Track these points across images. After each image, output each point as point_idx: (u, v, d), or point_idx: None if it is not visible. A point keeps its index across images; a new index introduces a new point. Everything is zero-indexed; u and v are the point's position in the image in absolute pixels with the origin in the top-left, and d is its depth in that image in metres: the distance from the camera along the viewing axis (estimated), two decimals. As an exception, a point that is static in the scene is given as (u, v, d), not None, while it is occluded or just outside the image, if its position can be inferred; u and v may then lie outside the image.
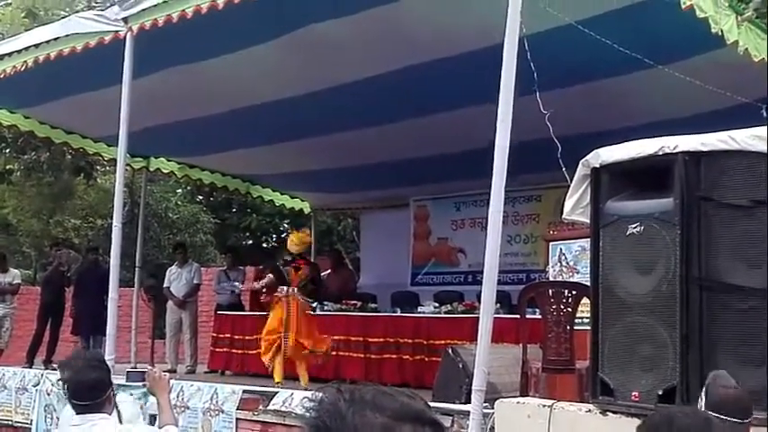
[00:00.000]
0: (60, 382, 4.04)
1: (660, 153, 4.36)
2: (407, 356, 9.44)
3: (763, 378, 3.94)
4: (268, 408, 7.80)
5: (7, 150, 16.04)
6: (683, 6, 5.90)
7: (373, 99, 8.99)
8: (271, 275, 9.05)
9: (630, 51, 6.70)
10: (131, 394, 7.89)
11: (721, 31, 6.04)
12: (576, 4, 6.44)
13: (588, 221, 4.73)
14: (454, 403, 6.55)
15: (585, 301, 5.32)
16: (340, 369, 9.66)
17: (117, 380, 5.07)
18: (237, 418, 8.01)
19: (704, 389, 3.10)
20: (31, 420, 9.52)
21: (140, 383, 8.08)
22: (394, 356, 9.54)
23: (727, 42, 6.09)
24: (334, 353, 9.33)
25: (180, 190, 20.98)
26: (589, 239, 4.74)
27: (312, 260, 10.52)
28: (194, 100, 9.56)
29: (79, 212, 19.24)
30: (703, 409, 2.98)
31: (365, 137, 10.27)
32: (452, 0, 6.84)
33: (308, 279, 9.07)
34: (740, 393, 3.09)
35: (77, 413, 3.83)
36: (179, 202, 20.66)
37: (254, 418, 7.85)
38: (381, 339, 9.69)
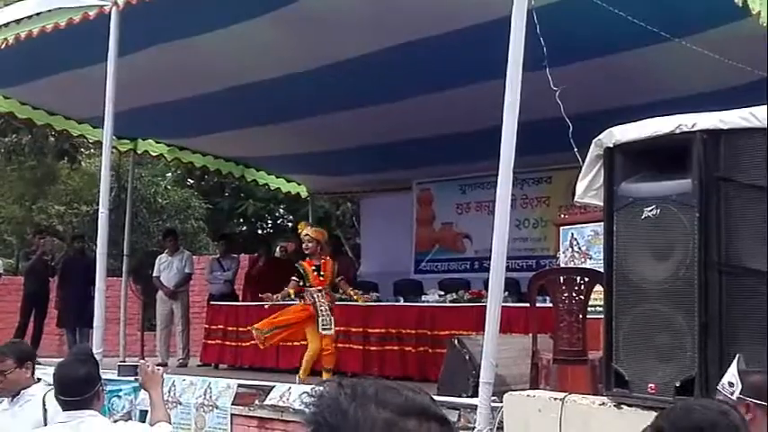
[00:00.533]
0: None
1: (677, 132, 4.36)
2: (410, 348, 9.46)
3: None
4: (265, 403, 7.83)
5: (-14, 133, 16.05)
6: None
7: (373, 77, 8.98)
8: (295, 279, 8.76)
9: (646, 24, 6.68)
10: (121, 389, 7.93)
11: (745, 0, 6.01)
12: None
13: (601, 204, 4.73)
14: (461, 397, 6.57)
15: (599, 288, 5.33)
16: (339, 361, 9.69)
17: (106, 374, 5.08)
18: (232, 414, 8.04)
19: (736, 375, 3.11)
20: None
21: (132, 378, 8.12)
22: (396, 348, 9.57)
23: (752, 13, 6.06)
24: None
25: (169, 174, 20.96)
26: (602, 223, 4.74)
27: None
28: (184, 78, 9.54)
29: (63, 198, 19.23)
30: (739, 395, 3.01)
31: (365, 116, 10.25)
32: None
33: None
34: None
35: (64, 410, 3.84)
36: (169, 187, 20.64)
37: (250, 413, 7.88)
38: (383, 330, 9.70)
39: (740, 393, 3.03)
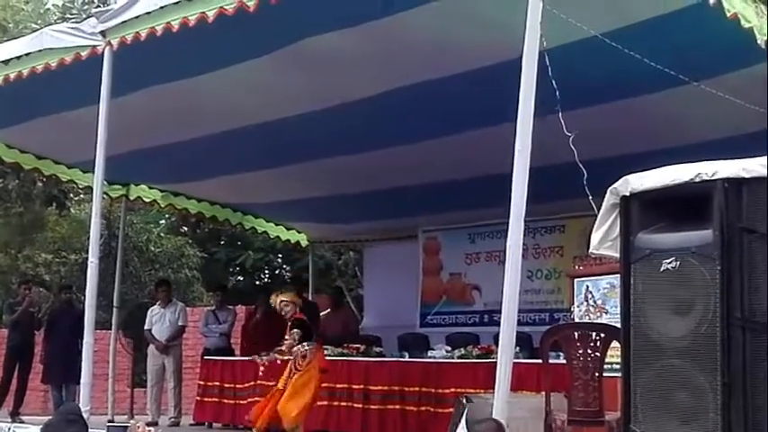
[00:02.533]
0: None
1: (697, 180, 4.36)
2: (411, 407, 9.40)
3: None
4: (261, 465, 7.77)
5: (-29, 178, 16.12)
6: (729, 15, 5.90)
7: (378, 119, 9.03)
8: (297, 330, 8.79)
9: (662, 66, 6.72)
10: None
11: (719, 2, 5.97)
12: (601, 14, 6.47)
13: (617, 256, 4.73)
14: (469, 460, 6.51)
15: (615, 344, 5.30)
16: (335, 421, 9.66)
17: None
18: (227, 477, 7.99)
19: (464, 427, 3.20)
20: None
21: (121, 440, 8.06)
22: (397, 407, 9.51)
23: (727, 14, 6.01)
24: (332, 402, 9.31)
25: (163, 221, 21.02)
26: (619, 276, 4.73)
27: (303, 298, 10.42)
28: (179, 121, 9.60)
29: (51, 246, 19.25)
30: None
31: (369, 161, 10.29)
32: (463, 11, 6.86)
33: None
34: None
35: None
36: (162, 235, 20.68)
37: (246, 476, 7.82)
38: (386, 388, 9.66)
39: None
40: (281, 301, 8.98)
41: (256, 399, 10.54)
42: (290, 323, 8.84)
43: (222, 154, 10.58)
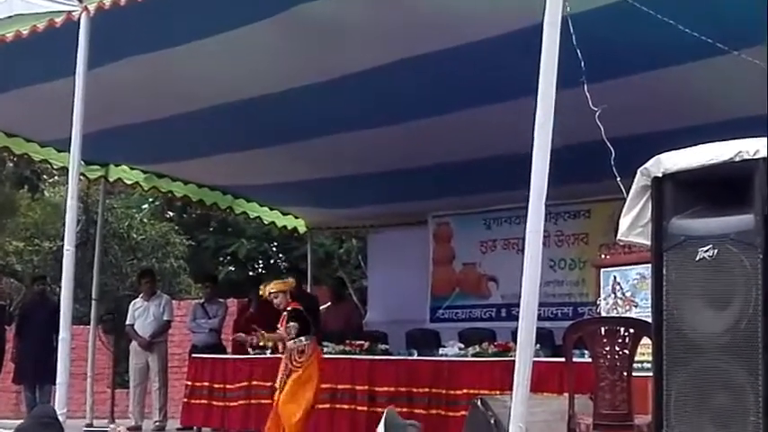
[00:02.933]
0: None
1: (737, 159, 4.36)
2: (420, 410, 9.42)
3: None
4: (255, 473, 7.82)
5: (-66, 158, 16.14)
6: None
7: (382, 94, 9.02)
8: (295, 324, 8.87)
9: (698, 33, 6.71)
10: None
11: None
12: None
13: (648, 243, 4.73)
14: (484, 468, 6.55)
15: (646, 341, 5.31)
16: (338, 425, 9.70)
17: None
18: (217, 486, 8.03)
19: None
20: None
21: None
22: (404, 410, 9.54)
23: None
24: (333, 405, 9.36)
25: (146, 205, 21.07)
26: (650, 265, 4.73)
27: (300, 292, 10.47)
28: (163, 95, 9.61)
29: (23, 233, 19.32)
30: None
31: (373, 139, 10.30)
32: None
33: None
34: None
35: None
36: (145, 220, 20.74)
37: (238, 485, 7.87)
38: (392, 389, 9.69)
39: None
40: (270, 293, 9.04)
41: (250, 401, 10.61)
42: (285, 314, 8.87)
43: (211, 131, 10.59)
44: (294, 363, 8.73)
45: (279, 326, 8.90)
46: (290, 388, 8.63)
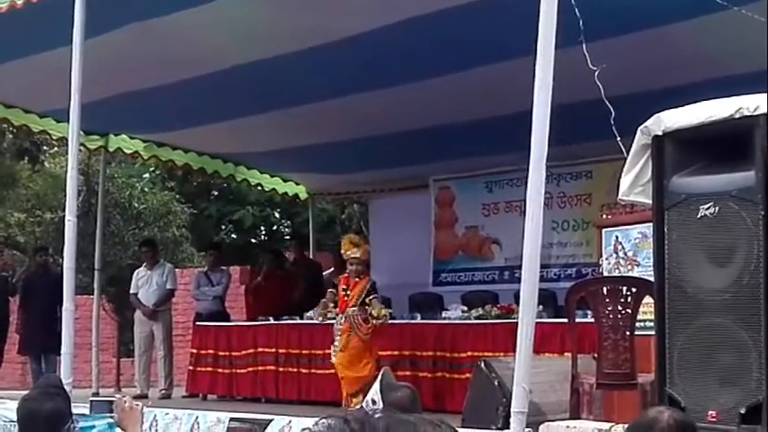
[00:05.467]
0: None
1: (737, 116, 4.36)
2: (425, 374, 9.45)
3: None
4: (261, 439, 7.85)
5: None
6: None
7: (382, 56, 8.99)
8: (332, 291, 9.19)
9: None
10: (94, 427, 7.95)
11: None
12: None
13: (650, 202, 4.73)
14: (489, 429, 6.57)
15: (648, 300, 5.32)
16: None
17: (77, 409, 5.10)
18: (224, 452, 8.07)
19: (378, 392, 3.31)
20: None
21: (107, 416, 8.15)
22: (408, 374, 9.57)
23: None
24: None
25: (147, 174, 21.03)
26: (651, 224, 4.74)
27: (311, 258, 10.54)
28: (162, 62, 9.57)
29: (24, 204, 19.31)
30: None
31: (373, 102, 10.26)
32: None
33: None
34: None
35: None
36: (146, 190, 20.71)
37: (245, 451, 7.91)
38: (396, 352, 9.72)
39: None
40: (354, 258, 9.27)
41: (257, 368, 10.65)
42: (364, 292, 9.08)
43: (210, 98, 10.56)
44: (359, 329, 8.97)
45: (346, 290, 9.07)
46: (352, 351, 8.96)
